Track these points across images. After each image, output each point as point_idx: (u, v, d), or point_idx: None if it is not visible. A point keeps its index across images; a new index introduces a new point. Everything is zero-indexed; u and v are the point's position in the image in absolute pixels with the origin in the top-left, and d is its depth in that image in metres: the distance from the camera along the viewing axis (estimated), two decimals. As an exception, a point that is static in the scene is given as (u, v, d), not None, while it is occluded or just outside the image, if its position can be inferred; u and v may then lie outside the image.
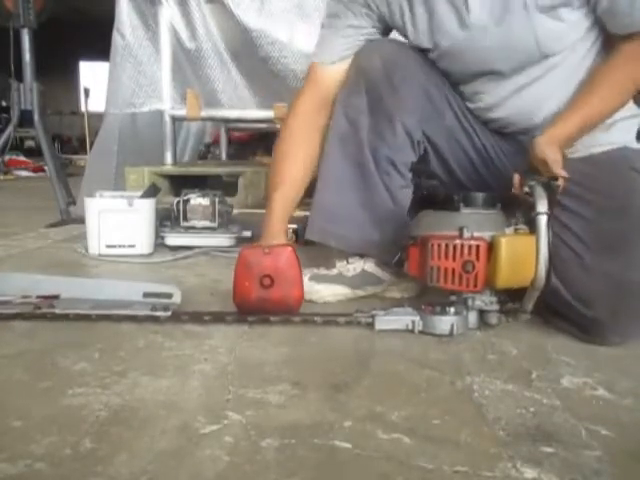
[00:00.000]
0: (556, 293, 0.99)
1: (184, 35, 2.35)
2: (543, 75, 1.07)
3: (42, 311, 0.98)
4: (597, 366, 0.88)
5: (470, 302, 0.99)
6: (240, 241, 1.68)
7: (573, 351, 0.95)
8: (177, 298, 1.04)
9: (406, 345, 0.95)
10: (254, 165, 2.55)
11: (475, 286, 0.93)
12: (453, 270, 0.93)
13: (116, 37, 2.28)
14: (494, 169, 1.19)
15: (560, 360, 0.91)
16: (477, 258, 0.92)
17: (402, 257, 1.03)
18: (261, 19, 2.20)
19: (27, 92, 2.23)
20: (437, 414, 0.71)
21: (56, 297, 1.03)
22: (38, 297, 1.02)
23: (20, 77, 2.26)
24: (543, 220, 0.89)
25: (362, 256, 1.20)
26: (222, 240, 1.65)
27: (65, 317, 0.98)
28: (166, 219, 1.68)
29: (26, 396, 0.73)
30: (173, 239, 1.63)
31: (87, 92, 6.11)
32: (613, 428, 0.69)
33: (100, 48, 2.36)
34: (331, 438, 0.64)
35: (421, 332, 0.99)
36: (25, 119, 2.28)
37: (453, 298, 0.99)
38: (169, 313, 0.99)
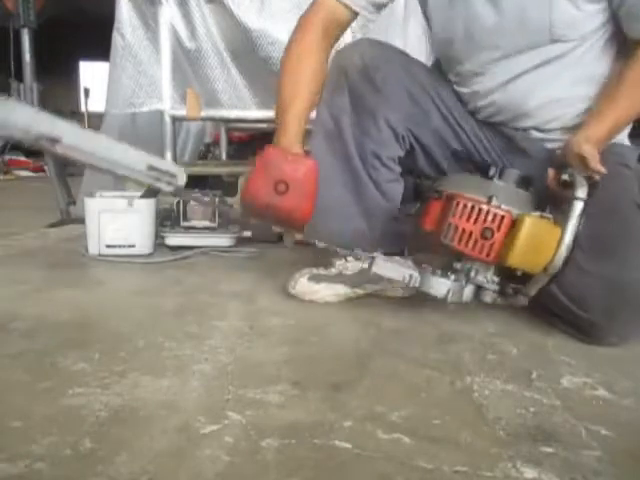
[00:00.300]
0: (552, 296, 0.99)
1: (184, 35, 2.34)
2: (544, 63, 1.07)
3: (43, 145, 0.93)
4: (597, 366, 0.88)
5: (472, 274, 0.98)
6: (240, 241, 1.68)
7: (573, 351, 0.95)
8: (181, 180, 1.01)
9: (406, 345, 0.95)
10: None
11: (488, 255, 0.92)
12: (471, 233, 0.92)
13: (116, 37, 2.27)
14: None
15: (560, 360, 0.91)
16: (498, 228, 0.91)
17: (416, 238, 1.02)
18: (261, 19, 2.19)
19: (27, 92, 2.23)
20: (437, 414, 0.71)
21: (58, 140, 0.98)
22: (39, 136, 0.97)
23: (20, 77, 2.26)
24: (579, 205, 0.88)
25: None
26: (222, 240, 1.65)
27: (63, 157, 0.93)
28: (166, 219, 1.68)
29: (26, 396, 0.73)
30: (173, 239, 1.64)
31: (87, 92, 6.10)
32: (613, 428, 0.69)
33: (100, 48, 2.35)
34: (331, 438, 0.64)
35: (415, 289, 0.98)
36: (25, 119, 2.28)
37: (457, 266, 0.99)
38: (171, 188, 0.97)
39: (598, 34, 1.06)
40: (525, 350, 0.95)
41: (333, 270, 1.19)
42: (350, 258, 1.20)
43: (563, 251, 0.89)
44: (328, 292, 1.17)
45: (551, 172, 0.96)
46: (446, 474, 0.58)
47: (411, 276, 0.98)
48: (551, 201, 0.94)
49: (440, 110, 1.17)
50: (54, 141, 0.93)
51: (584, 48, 1.06)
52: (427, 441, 0.64)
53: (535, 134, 1.15)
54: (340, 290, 1.18)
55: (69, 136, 0.96)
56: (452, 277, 0.98)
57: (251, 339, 0.96)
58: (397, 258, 1.00)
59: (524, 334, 1.02)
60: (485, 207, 0.91)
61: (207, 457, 0.60)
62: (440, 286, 0.97)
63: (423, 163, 1.19)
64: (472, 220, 0.92)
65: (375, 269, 0.97)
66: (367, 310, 1.15)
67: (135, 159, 0.98)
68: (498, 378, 0.82)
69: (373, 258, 0.98)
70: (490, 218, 0.91)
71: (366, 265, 1.19)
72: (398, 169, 1.17)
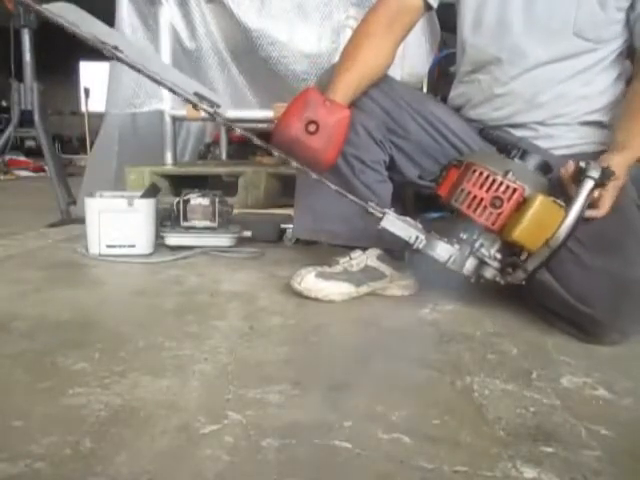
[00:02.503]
0: (554, 293, 0.99)
1: (184, 35, 2.34)
2: (563, 58, 1.11)
3: (108, 50, 0.94)
4: (597, 366, 0.88)
5: (476, 246, 0.99)
6: (240, 241, 1.68)
7: (573, 351, 0.95)
8: (224, 110, 1.04)
9: (406, 345, 0.95)
10: (254, 165, 2.55)
11: (493, 224, 0.94)
12: (481, 200, 0.94)
13: (116, 37, 2.27)
14: None
15: (560, 360, 0.91)
16: (508, 200, 0.93)
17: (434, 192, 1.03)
18: (261, 19, 2.19)
19: (27, 92, 2.23)
20: (437, 414, 0.71)
21: (116, 47, 1.00)
22: (103, 42, 0.99)
23: (20, 77, 2.26)
24: (589, 184, 0.90)
25: (364, 250, 1.22)
26: (222, 240, 1.65)
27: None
28: (166, 219, 1.68)
29: (26, 396, 0.73)
30: (173, 239, 1.63)
31: (87, 92, 6.09)
32: (613, 428, 0.69)
33: (100, 48, 2.35)
34: (331, 438, 0.64)
35: (418, 251, 1.00)
36: (25, 119, 2.28)
37: (463, 237, 1.00)
38: (213, 110, 1.00)
39: (612, 46, 1.11)
40: (525, 350, 0.95)
41: (338, 267, 1.20)
42: (354, 255, 1.22)
43: (567, 226, 0.90)
44: (333, 290, 1.17)
45: (571, 163, 0.97)
46: (446, 474, 0.58)
47: (417, 237, 1.00)
48: (563, 194, 0.95)
49: (422, 126, 1.18)
50: (117, 49, 0.96)
51: (598, 56, 1.11)
52: (427, 441, 0.64)
53: (540, 129, 1.17)
54: (345, 289, 1.18)
55: (129, 51, 1.00)
56: (457, 246, 1.00)
57: (251, 339, 0.96)
58: (408, 219, 1.01)
59: (524, 334, 1.02)
60: (499, 178, 0.94)
61: (207, 457, 0.60)
62: (443, 251, 1.00)
63: (404, 166, 1.21)
64: (485, 188, 0.95)
65: (384, 224, 1.00)
66: (367, 310, 1.15)
67: (185, 83, 1.04)
68: (498, 378, 0.82)
69: (385, 213, 1.00)
70: (502, 189, 0.94)
71: (370, 262, 1.20)
72: (385, 173, 1.21)
